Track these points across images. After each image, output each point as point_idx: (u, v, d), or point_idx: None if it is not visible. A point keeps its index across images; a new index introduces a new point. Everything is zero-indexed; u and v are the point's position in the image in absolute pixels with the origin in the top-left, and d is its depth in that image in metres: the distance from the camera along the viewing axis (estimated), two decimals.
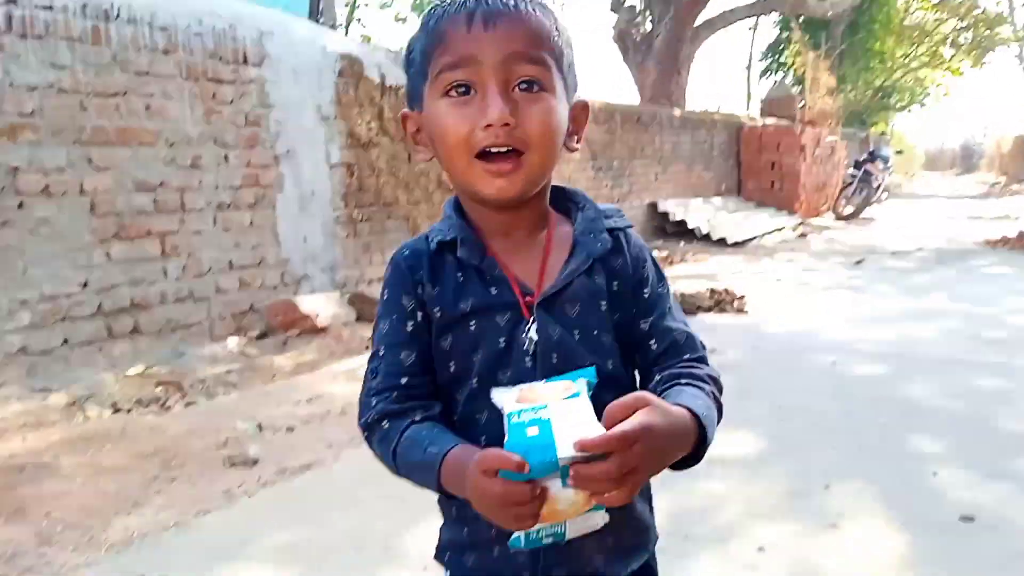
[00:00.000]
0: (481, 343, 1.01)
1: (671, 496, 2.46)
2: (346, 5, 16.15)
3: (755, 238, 10.63)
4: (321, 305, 4.76)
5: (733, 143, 12.92)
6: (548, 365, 1.00)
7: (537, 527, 0.84)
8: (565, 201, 1.10)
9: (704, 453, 0.96)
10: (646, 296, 1.09)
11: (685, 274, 7.75)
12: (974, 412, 3.58)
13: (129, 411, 3.43)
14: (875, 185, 14.03)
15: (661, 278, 1.12)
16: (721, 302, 5.92)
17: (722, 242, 9.84)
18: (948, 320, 5.47)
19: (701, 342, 1.12)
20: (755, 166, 13.01)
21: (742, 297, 6.11)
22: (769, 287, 7.00)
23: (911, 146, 31.95)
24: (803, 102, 15.23)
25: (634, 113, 9.95)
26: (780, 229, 11.66)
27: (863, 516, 2.56)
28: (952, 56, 29.62)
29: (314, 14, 8.98)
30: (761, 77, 24.83)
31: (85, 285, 3.94)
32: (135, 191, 4.21)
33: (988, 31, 28.85)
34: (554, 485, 0.81)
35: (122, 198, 4.13)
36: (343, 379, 3.96)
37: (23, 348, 3.73)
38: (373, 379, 1.03)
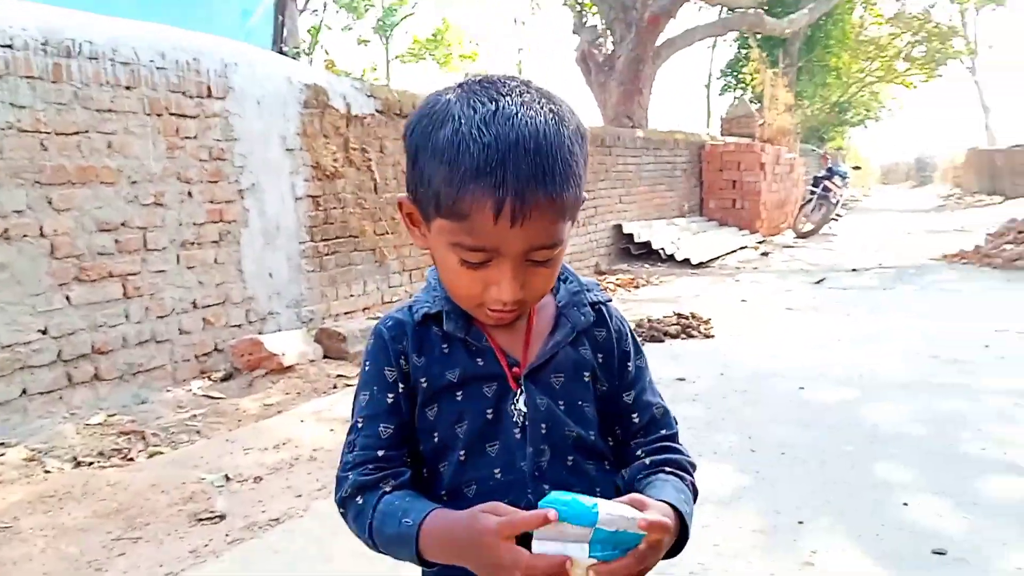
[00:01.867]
0: (467, 414, 1.03)
1: None
2: (308, 32, 16.08)
3: (719, 258, 10.74)
4: (287, 343, 4.69)
5: (695, 162, 13.06)
6: (537, 436, 1.03)
7: None
8: None
9: (683, 548, 0.98)
10: (629, 369, 1.12)
11: (651, 298, 7.79)
12: (938, 437, 3.63)
13: (91, 464, 3.34)
14: (834, 201, 14.27)
15: (639, 351, 1.15)
16: (688, 327, 5.96)
17: (686, 262, 9.92)
18: (909, 340, 5.55)
19: (674, 417, 1.15)
20: (717, 185, 13.16)
21: (708, 321, 6.15)
22: (734, 309, 7.06)
23: (866, 161, 32.58)
24: (762, 120, 15.48)
25: (598, 135, 10.02)
26: (743, 248, 11.79)
27: (837, 552, 2.57)
28: (906, 70, 30.34)
29: (277, 43, 8.93)
30: (721, 95, 25.20)
31: (44, 332, 3.85)
32: (96, 231, 4.12)
33: (941, 45, 29.63)
34: (577, 556, 0.82)
35: (83, 239, 4.05)
36: (311, 421, 3.91)
37: None
38: (350, 452, 1.04)
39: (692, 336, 5.85)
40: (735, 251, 11.46)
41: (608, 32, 15.12)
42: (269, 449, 3.50)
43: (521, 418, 1.02)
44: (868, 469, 3.28)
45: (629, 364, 1.12)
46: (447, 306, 1.04)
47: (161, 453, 3.53)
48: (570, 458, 1.05)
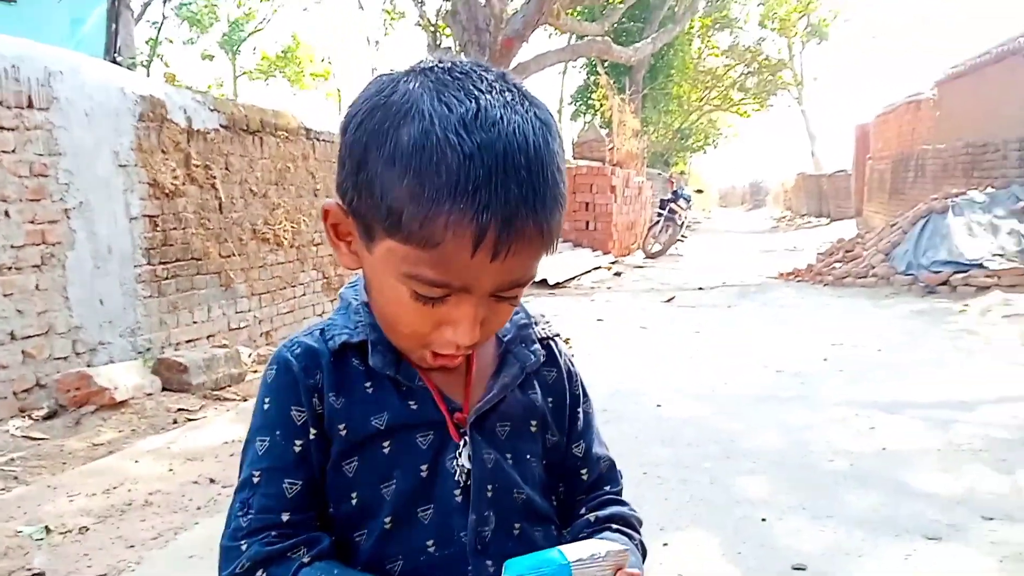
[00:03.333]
0: (396, 471, 0.83)
1: None
2: (147, 43, 15.21)
3: (575, 278, 10.92)
4: (120, 375, 4.29)
5: None
6: (482, 499, 0.85)
7: None
8: None
9: None
10: (579, 416, 0.97)
11: None
12: (790, 449, 3.76)
13: None
14: (679, 223, 14.92)
15: (586, 394, 1.00)
16: None
17: (544, 283, 10.02)
18: (756, 355, 5.79)
19: (619, 470, 1.02)
20: (571, 207, 13.33)
21: (567, 340, 6.19)
22: (591, 328, 7.16)
23: (707, 184, 34.46)
24: (611, 144, 15.98)
25: None
26: (597, 268, 12.07)
27: (703, 573, 2.57)
28: (740, 99, 32.36)
29: (110, 52, 8.34)
30: (572, 120, 25.89)
31: None
32: None
33: (771, 76, 31.84)
34: None
35: None
36: (148, 460, 3.57)
37: None
38: (243, 515, 0.81)
39: None
40: (590, 271, 11.70)
41: (462, 54, 15.18)
42: (98, 494, 3.15)
43: (463, 477, 0.84)
44: (727, 485, 3.34)
45: (579, 410, 0.96)
46: (373, 335, 0.84)
47: None
48: (517, 525, 0.88)
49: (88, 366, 4.43)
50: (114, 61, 7.91)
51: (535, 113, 0.76)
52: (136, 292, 5.03)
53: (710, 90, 31.06)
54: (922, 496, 3.15)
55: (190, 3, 24.39)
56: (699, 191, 25.08)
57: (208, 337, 5.67)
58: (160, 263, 5.24)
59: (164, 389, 4.51)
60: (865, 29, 46.22)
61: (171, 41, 25.37)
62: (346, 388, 0.84)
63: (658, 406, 4.51)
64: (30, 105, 4.33)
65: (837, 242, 11.95)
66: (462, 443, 0.85)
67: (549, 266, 10.57)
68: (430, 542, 0.84)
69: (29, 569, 2.51)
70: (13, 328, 4.13)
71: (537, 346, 0.93)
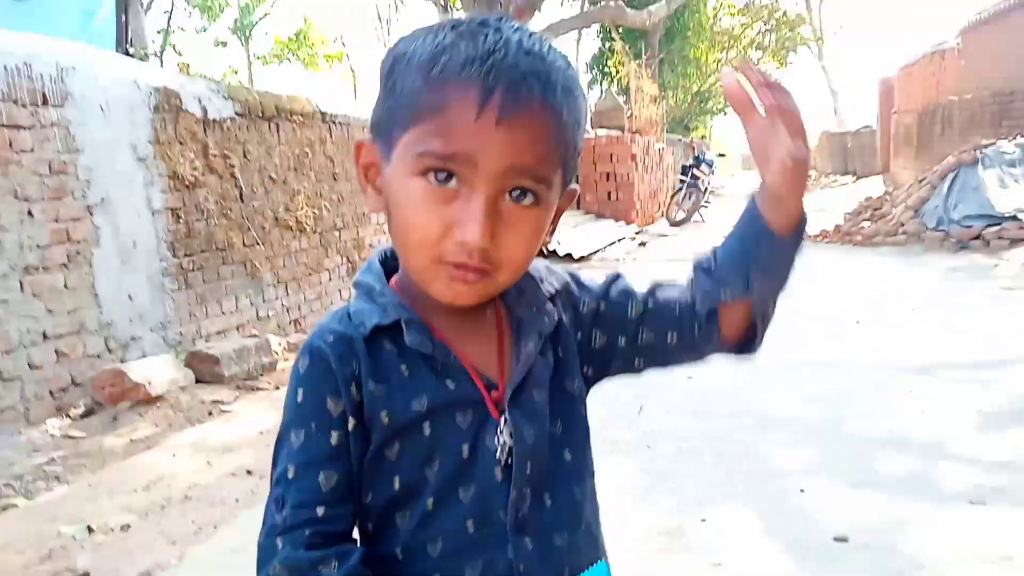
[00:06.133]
0: (438, 452, 0.82)
1: None
2: (159, 32, 15.20)
3: (599, 250, 10.85)
4: (154, 370, 4.33)
5: None
6: (521, 475, 0.83)
7: None
8: None
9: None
10: (583, 303, 0.94)
11: None
12: (825, 417, 3.71)
13: None
14: (703, 189, 14.73)
15: (590, 281, 0.97)
16: None
17: (568, 257, 9.96)
18: (786, 321, 5.69)
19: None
20: (591, 178, 13.31)
21: None
22: None
23: (729, 148, 33.97)
24: (630, 111, 15.79)
25: None
26: (621, 240, 11.97)
27: (743, 549, 2.55)
28: (759, 59, 31.74)
29: (122, 44, 8.34)
30: (588, 88, 25.61)
31: None
32: None
33: (790, 32, 31.18)
34: None
35: None
36: (185, 454, 3.60)
37: None
38: (278, 511, 0.79)
39: None
40: (615, 243, 11.61)
41: None
42: (138, 491, 3.19)
43: (505, 454, 0.83)
44: (763, 456, 3.30)
45: (587, 298, 0.94)
46: (406, 313, 0.82)
47: (15, 506, 3.15)
48: (553, 494, 0.87)
49: (121, 362, 4.47)
50: (126, 53, 7.91)
51: (555, 48, 0.80)
52: (164, 286, 5.06)
53: (727, 51, 30.52)
54: (963, 460, 3.10)
55: None
56: (721, 155, 24.78)
57: (237, 327, 5.71)
58: (185, 255, 5.26)
59: (197, 382, 4.55)
60: None
61: (183, 30, 25.36)
62: (383, 373, 0.81)
63: (689, 378, 4.44)
64: (45, 102, 4.33)
65: (865, 200, 11.74)
66: (502, 420, 0.83)
67: (572, 239, 10.51)
68: (470, 522, 0.82)
69: (74, 571, 2.54)
70: (45, 328, 4.17)
71: (549, 305, 0.91)
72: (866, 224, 9.97)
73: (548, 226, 0.84)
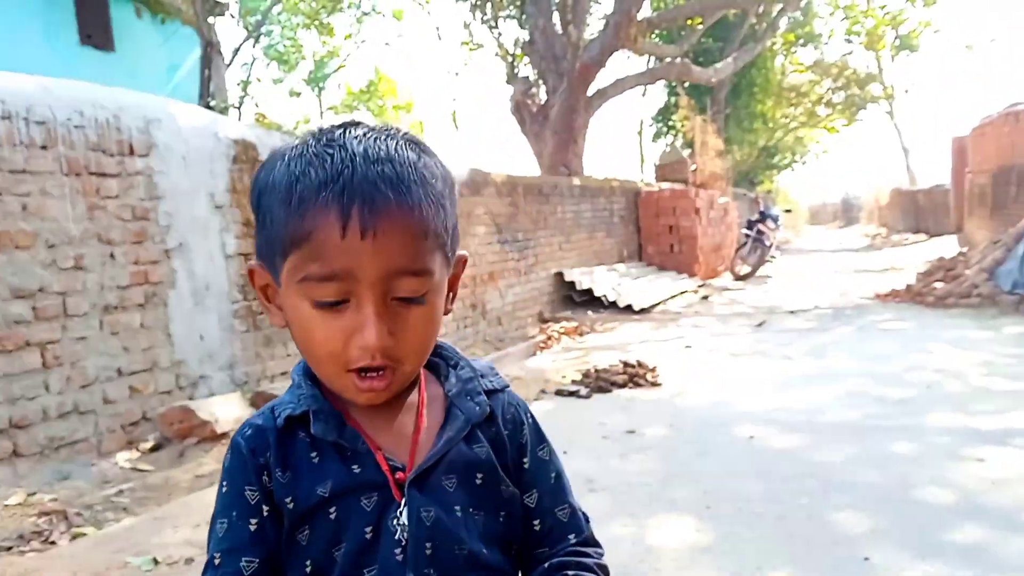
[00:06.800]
0: (344, 534, 0.86)
1: None
2: (238, 84, 15.89)
3: (660, 303, 10.79)
4: (221, 408, 4.46)
5: (632, 208, 13.19)
6: (420, 557, 0.86)
7: None
8: (433, 357, 0.95)
9: None
10: (526, 466, 0.97)
11: (596, 345, 7.74)
12: (892, 481, 3.60)
13: (9, 549, 3.06)
14: (768, 244, 14.59)
15: (542, 440, 1.00)
16: (635, 376, 5.89)
17: (628, 308, 9.93)
18: (853, 381, 5.58)
19: (585, 514, 1.00)
20: (654, 230, 13.30)
21: (654, 368, 6.10)
22: (679, 355, 7.04)
23: (796, 203, 33.55)
24: (694, 165, 15.80)
25: (535, 184, 10.04)
26: (683, 292, 11.89)
27: None
28: (828, 115, 31.45)
29: (204, 97, 8.75)
30: (653, 141, 25.71)
31: None
32: (11, 299, 3.87)
33: (859, 90, 30.83)
34: None
35: None
36: None
37: None
38: None
39: (640, 385, 5.78)
40: (675, 296, 11.54)
41: (540, 82, 15.31)
42: (201, 525, 3.26)
43: (403, 535, 0.86)
44: (826, 521, 3.22)
45: (525, 460, 0.97)
46: (314, 405, 0.88)
47: (84, 535, 3.26)
48: None
49: (190, 399, 4.61)
50: (208, 106, 8.28)
51: (405, 136, 0.85)
52: (233, 327, 5.23)
53: (795, 107, 30.34)
54: None
55: (277, 43, 25.32)
56: (788, 210, 24.51)
57: None
58: (254, 299, 5.44)
59: None
60: (958, 40, 44.23)
61: (260, 81, 26.38)
62: (292, 462, 0.87)
63: (750, 438, 4.39)
64: (131, 152, 4.58)
65: (937, 260, 11.45)
66: (402, 502, 0.87)
67: (632, 291, 10.49)
68: None
69: None
70: (120, 364, 4.35)
71: (483, 398, 0.95)
72: (939, 285, 9.70)
73: (444, 305, 0.89)
